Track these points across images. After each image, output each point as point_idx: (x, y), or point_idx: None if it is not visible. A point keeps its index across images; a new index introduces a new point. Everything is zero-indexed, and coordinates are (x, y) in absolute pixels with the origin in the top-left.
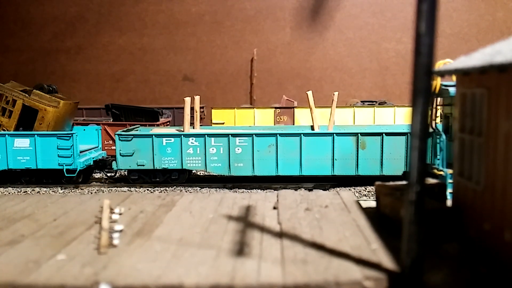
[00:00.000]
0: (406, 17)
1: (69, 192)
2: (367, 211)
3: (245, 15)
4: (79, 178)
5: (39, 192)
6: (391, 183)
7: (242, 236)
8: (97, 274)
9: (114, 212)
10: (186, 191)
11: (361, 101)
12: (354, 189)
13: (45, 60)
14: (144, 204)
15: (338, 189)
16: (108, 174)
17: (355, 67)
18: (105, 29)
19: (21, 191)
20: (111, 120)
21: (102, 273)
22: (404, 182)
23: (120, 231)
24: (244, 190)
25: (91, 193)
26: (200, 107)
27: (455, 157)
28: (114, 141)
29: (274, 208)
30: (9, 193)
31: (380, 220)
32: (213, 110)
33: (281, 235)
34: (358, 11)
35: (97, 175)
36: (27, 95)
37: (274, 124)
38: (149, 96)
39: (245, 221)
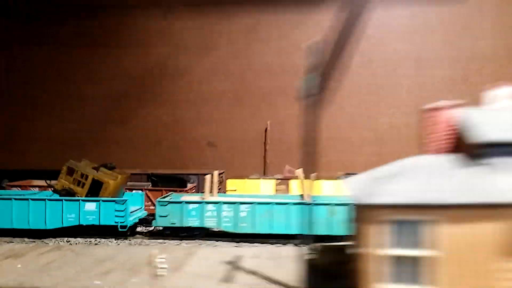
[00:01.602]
0: (399, 95)
1: (120, 242)
2: None
3: (261, 92)
4: (128, 232)
5: (99, 241)
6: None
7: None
8: None
9: (159, 257)
10: (204, 244)
11: (346, 173)
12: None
13: (94, 129)
14: (175, 251)
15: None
16: (149, 229)
17: (354, 137)
18: (145, 103)
19: (90, 242)
20: (151, 185)
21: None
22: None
23: (164, 267)
24: (247, 243)
25: (137, 243)
26: (220, 173)
27: None
28: (152, 203)
29: None
30: (86, 242)
31: None
32: (227, 181)
33: None
34: (356, 89)
35: (139, 229)
36: (95, 171)
37: (275, 192)
38: (179, 160)
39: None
